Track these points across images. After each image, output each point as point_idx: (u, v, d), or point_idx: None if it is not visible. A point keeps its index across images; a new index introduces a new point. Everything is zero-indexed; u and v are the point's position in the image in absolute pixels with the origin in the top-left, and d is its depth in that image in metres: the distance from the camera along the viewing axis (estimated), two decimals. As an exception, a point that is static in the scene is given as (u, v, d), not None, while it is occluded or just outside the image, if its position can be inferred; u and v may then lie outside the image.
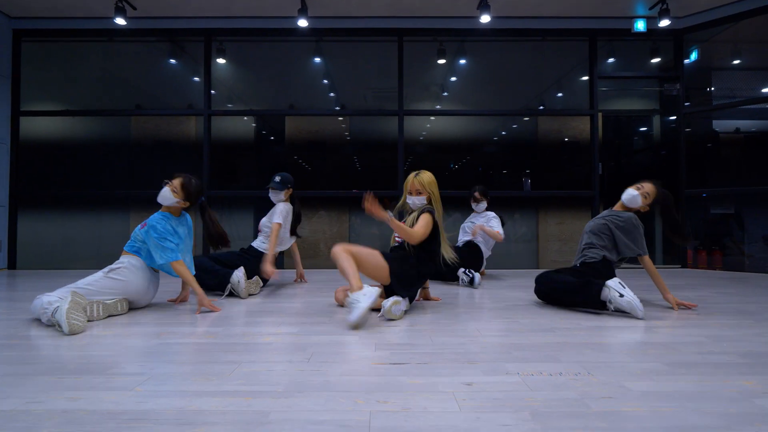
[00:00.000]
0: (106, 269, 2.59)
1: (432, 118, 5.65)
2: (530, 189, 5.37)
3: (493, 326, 2.29)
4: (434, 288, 3.53)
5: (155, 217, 2.70)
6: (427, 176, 2.80)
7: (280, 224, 3.51)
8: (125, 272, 2.59)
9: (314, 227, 5.61)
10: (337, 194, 5.53)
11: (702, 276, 4.49)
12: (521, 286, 3.78)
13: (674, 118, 5.50)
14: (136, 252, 2.68)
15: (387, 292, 2.66)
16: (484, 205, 4.20)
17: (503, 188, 5.51)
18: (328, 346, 1.92)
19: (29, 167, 5.33)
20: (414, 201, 2.79)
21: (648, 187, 2.86)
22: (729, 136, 5.84)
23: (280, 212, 3.56)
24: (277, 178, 3.65)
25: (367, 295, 2.25)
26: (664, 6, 4.70)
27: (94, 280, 2.51)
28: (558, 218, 5.52)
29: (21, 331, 2.21)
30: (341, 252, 2.50)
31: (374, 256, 2.58)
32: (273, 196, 3.69)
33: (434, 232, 2.71)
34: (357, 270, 2.47)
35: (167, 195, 2.75)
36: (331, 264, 5.27)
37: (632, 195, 2.84)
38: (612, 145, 6.10)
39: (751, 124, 5.91)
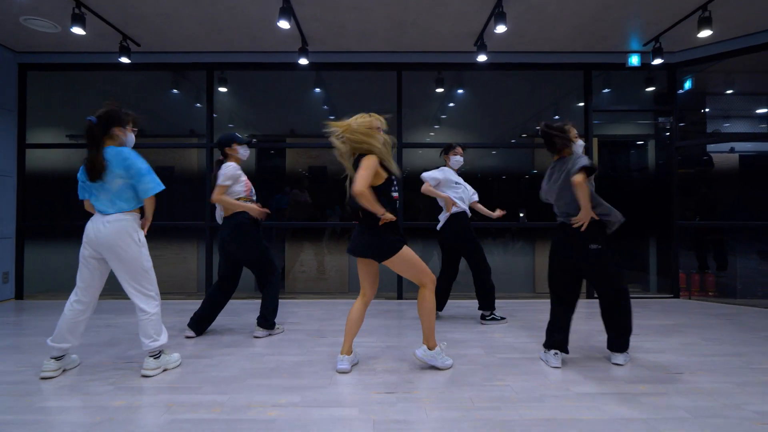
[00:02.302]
0: (143, 250, 2.69)
1: (419, 151, 5.76)
2: (526, 221, 5.47)
3: (485, 394, 2.41)
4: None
5: (130, 153, 2.63)
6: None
7: (221, 186, 3.35)
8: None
9: (316, 256, 5.75)
10: (340, 224, 5.65)
11: (694, 312, 4.61)
12: (516, 326, 3.89)
13: (668, 146, 5.61)
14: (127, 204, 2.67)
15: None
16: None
17: (499, 219, 5.61)
18: (328, 424, 2.04)
19: (35, 198, 5.44)
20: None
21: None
22: (724, 156, 5.93)
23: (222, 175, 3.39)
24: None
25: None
26: (657, 45, 4.80)
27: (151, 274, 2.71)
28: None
29: (33, 399, 2.33)
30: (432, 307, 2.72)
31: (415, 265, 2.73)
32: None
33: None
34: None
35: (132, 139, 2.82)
36: (333, 291, 5.40)
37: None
38: (606, 172, 6.21)
39: (747, 144, 6.02)
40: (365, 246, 2.68)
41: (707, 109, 6.08)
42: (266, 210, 3.47)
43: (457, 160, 4.06)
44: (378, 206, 2.56)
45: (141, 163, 2.63)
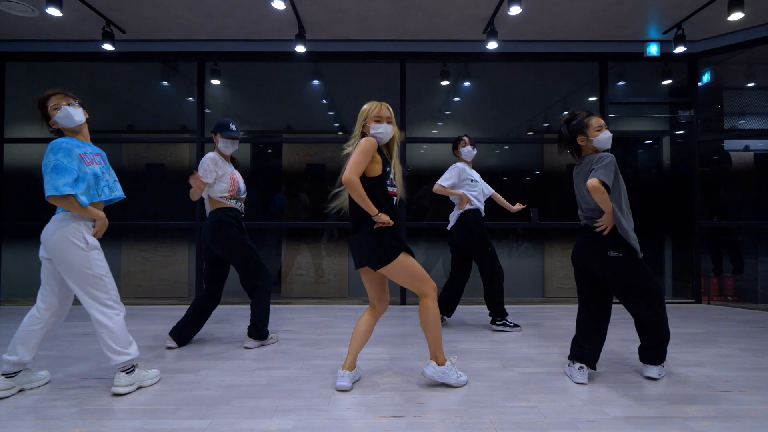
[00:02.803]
0: (93, 254, 2.32)
1: (423, 147, 5.43)
2: (538, 221, 5.13)
3: (508, 417, 2.07)
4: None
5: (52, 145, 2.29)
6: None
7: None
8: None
9: (315, 258, 5.41)
10: (339, 224, 5.33)
11: (720, 318, 4.28)
12: (531, 335, 3.56)
13: (687, 142, 5.29)
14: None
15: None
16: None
17: (509, 219, 5.28)
18: (327, 460, 1.70)
19: (14, 196, 5.10)
20: (387, 130, 2.40)
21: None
22: (738, 155, 5.63)
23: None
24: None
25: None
26: (680, 32, 4.48)
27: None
28: (564, 245, 5.33)
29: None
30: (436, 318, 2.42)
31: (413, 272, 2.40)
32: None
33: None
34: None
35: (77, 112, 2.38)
36: (332, 295, 5.06)
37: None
38: (621, 168, 5.90)
39: (761, 142, 5.73)
40: (359, 252, 2.36)
41: (723, 105, 5.77)
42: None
43: (468, 150, 3.74)
44: (369, 203, 2.24)
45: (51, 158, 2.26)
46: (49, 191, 2.21)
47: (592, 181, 2.34)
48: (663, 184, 5.73)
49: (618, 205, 2.48)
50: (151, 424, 2.00)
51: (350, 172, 2.20)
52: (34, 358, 2.40)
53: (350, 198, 2.38)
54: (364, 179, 2.29)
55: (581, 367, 2.51)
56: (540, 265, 5.51)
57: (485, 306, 3.78)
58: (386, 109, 2.41)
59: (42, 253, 2.36)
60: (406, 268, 2.35)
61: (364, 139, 2.29)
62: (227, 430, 1.95)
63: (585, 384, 2.48)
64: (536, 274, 5.50)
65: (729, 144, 5.59)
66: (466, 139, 3.77)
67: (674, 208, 5.39)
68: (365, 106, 2.43)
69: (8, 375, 2.34)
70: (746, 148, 5.74)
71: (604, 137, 2.56)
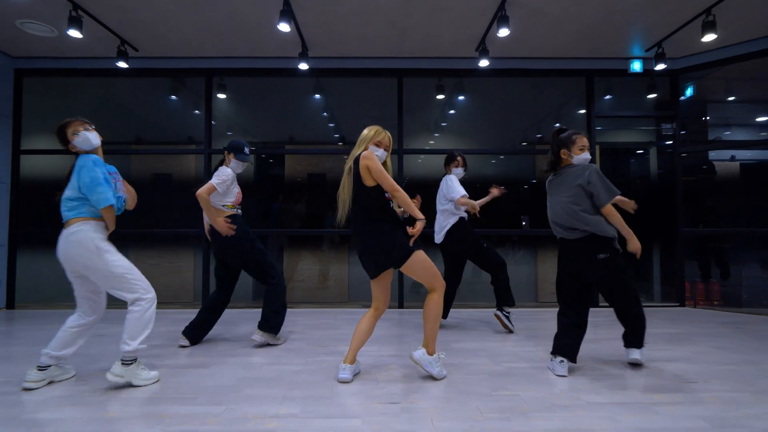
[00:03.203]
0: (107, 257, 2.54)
1: (420, 158, 5.70)
2: (529, 228, 5.39)
3: (493, 404, 2.31)
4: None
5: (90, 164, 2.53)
6: None
7: (211, 186, 3.25)
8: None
9: (314, 264, 5.65)
10: (340, 231, 5.57)
11: (701, 321, 4.52)
12: (521, 336, 3.79)
13: (671, 153, 5.55)
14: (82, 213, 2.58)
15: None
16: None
17: (501, 227, 5.53)
18: (331, 437, 1.94)
19: (29, 206, 5.34)
20: (382, 156, 2.71)
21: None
22: (725, 165, 5.90)
23: (216, 176, 3.33)
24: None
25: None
26: (660, 50, 4.77)
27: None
28: (557, 253, 5.56)
29: (26, 412, 2.22)
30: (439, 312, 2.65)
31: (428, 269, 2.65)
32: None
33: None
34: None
35: (93, 136, 2.64)
36: (333, 300, 5.30)
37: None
38: (611, 178, 6.16)
39: (748, 152, 6.00)
40: (377, 256, 2.59)
41: (708, 117, 6.05)
42: (232, 228, 3.29)
43: (458, 172, 4.00)
44: (415, 209, 2.57)
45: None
46: (105, 202, 2.49)
47: (606, 209, 2.70)
48: (650, 194, 6.00)
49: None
50: (172, 409, 2.23)
51: (394, 186, 2.53)
52: (72, 354, 2.63)
53: (356, 207, 2.63)
54: (368, 189, 2.56)
55: (562, 361, 2.75)
56: (533, 272, 5.75)
57: (480, 309, 4.00)
58: (388, 139, 2.73)
59: (67, 273, 2.62)
60: (424, 262, 2.61)
61: (371, 161, 2.54)
62: (241, 413, 2.18)
63: (565, 376, 2.71)
64: (530, 280, 5.74)
65: (717, 154, 5.86)
66: (460, 159, 4.02)
67: (661, 217, 5.65)
68: (369, 132, 2.71)
69: (41, 368, 2.57)
70: (732, 158, 6.02)
71: (582, 158, 2.83)
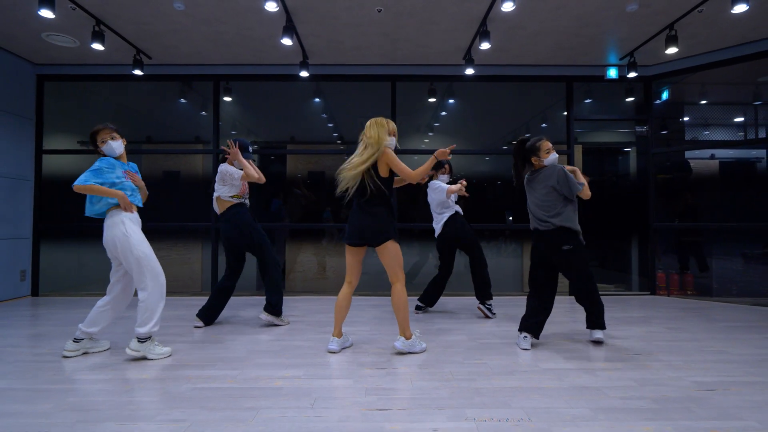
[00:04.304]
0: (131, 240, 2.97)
1: (415, 157, 6.13)
2: (512, 222, 5.84)
3: (464, 369, 2.76)
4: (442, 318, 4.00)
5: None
6: None
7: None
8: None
9: (313, 256, 6.10)
10: (338, 225, 6.01)
11: (664, 306, 4.97)
12: (501, 318, 4.25)
13: (644, 152, 5.98)
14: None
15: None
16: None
17: (488, 221, 5.97)
18: (328, 392, 2.38)
19: (51, 201, 5.79)
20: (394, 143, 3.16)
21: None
22: (704, 163, 6.31)
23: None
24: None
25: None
26: (632, 59, 5.19)
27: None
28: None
29: (61, 373, 2.67)
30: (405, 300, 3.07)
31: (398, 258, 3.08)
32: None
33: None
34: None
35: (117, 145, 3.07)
36: (332, 290, 5.76)
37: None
38: (591, 175, 6.59)
39: (728, 151, 6.41)
40: (371, 229, 3.00)
41: (686, 118, 6.47)
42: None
43: (444, 179, 4.43)
44: (427, 167, 3.11)
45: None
46: (77, 181, 2.93)
47: (583, 194, 3.21)
48: (629, 191, 6.44)
49: (573, 207, 3.19)
50: (195, 373, 2.68)
51: (409, 173, 3.04)
52: (100, 330, 3.08)
53: (362, 191, 3.05)
54: (381, 179, 3.03)
55: (525, 336, 3.20)
56: (519, 263, 6.20)
57: (463, 297, 4.43)
58: (395, 126, 3.22)
59: (108, 255, 3.08)
60: (397, 252, 3.06)
61: (389, 151, 3.05)
62: (253, 375, 2.63)
63: (528, 349, 3.16)
64: (516, 271, 6.20)
65: (697, 152, 6.28)
66: (447, 167, 4.45)
67: (638, 213, 6.09)
68: (386, 121, 3.17)
69: (76, 340, 3.03)
70: (712, 157, 6.44)
71: (552, 158, 3.27)
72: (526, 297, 3.39)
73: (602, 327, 3.31)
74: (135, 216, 3.07)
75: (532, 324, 3.23)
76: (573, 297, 3.46)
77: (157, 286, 3.00)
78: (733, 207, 5.93)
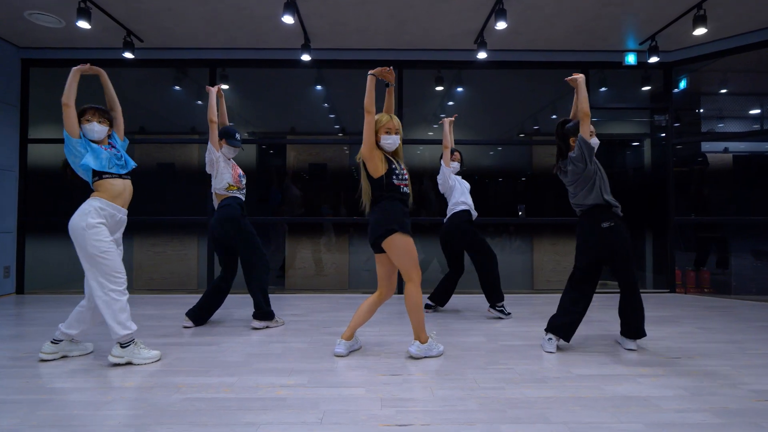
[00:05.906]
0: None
1: (420, 148, 5.83)
2: (525, 216, 5.54)
3: (489, 375, 2.46)
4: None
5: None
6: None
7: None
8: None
9: (315, 253, 5.79)
10: (341, 219, 5.71)
11: (689, 305, 4.68)
12: (517, 317, 3.95)
13: (664, 144, 5.69)
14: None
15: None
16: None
17: (498, 215, 5.69)
18: (338, 403, 2.08)
19: (36, 193, 5.46)
20: (395, 140, 2.84)
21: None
22: (718, 156, 6.06)
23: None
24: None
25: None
26: (653, 43, 4.90)
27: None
28: (552, 240, 5.74)
29: (43, 381, 2.36)
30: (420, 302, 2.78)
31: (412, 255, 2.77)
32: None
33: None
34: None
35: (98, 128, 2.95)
36: (333, 287, 5.45)
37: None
38: (606, 168, 6.31)
39: (741, 145, 6.16)
40: (377, 224, 2.71)
41: (702, 109, 6.19)
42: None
43: (455, 166, 4.16)
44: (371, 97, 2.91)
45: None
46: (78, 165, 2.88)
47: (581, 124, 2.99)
48: (644, 184, 6.15)
49: (604, 187, 2.94)
50: (188, 380, 2.37)
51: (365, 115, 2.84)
52: (82, 332, 2.76)
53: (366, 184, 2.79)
54: (370, 180, 2.74)
55: (550, 338, 2.90)
56: (529, 260, 5.91)
57: (477, 294, 4.15)
58: (396, 122, 2.85)
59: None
60: (408, 246, 2.72)
61: (364, 149, 2.76)
62: (252, 383, 2.33)
63: (552, 353, 2.87)
64: (526, 268, 5.90)
65: (710, 146, 6.01)
66: (457, 155, 4.20)
67: (654, 207, 5.80)
68: (377, 116, 2.84)
69: (55, 341, 2.72)
70: (726, 150, 6.18)
71: (595, 141, 2.98)
72: (537, 295, 3.08)
73: (639, 336, 2.96)
74: (112, 212, 2.75)
75: (562, 325, 2.92)
76: (604, 296, 3.15)
77: (109, 284, 2.66)
78: (747, 201, 5.68)
